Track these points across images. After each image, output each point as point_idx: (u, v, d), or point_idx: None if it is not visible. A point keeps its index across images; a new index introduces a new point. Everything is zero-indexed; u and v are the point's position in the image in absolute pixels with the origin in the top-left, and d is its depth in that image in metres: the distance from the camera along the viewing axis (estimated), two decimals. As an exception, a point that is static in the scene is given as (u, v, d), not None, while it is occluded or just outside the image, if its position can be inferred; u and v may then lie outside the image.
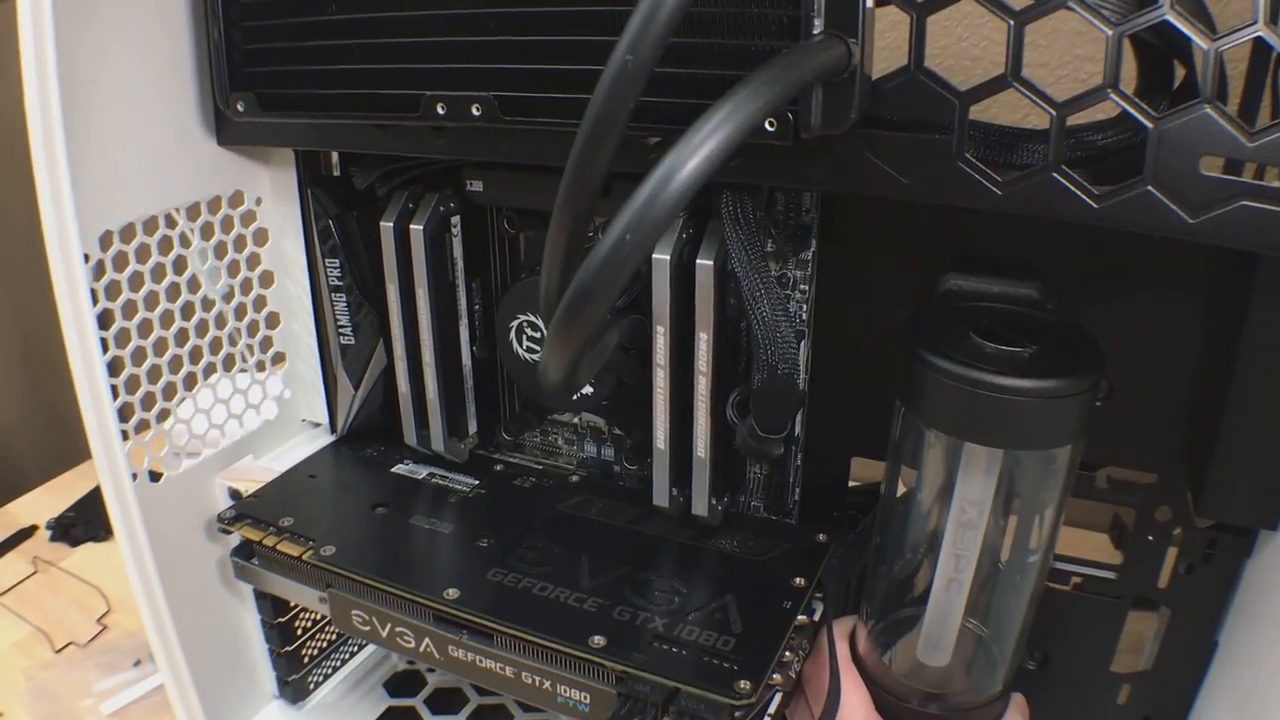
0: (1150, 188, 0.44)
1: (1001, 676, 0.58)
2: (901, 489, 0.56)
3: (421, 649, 0.60)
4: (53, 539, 1.11)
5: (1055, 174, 0.46)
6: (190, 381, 0.67)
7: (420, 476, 0.71)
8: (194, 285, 0.66)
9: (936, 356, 0.48)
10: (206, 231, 0.66)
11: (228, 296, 0.68)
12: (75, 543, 1.10)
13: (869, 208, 0.58)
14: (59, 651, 0.92)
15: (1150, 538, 0.62)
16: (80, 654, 0.92)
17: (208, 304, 0.67)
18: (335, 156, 0.69)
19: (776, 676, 0.54)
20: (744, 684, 0.52)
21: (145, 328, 0.63)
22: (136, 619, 0.94)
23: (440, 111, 0.54)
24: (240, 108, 0.60)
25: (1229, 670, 0.61)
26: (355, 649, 0.85)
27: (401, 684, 0.84)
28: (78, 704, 0.85)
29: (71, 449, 1.19)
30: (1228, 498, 0.56)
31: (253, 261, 0.70)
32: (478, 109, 0.53)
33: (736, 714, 0.53)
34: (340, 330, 0.71)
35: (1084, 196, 0.46)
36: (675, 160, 0.36)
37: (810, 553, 0.64)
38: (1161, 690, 0.65)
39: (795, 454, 0.65)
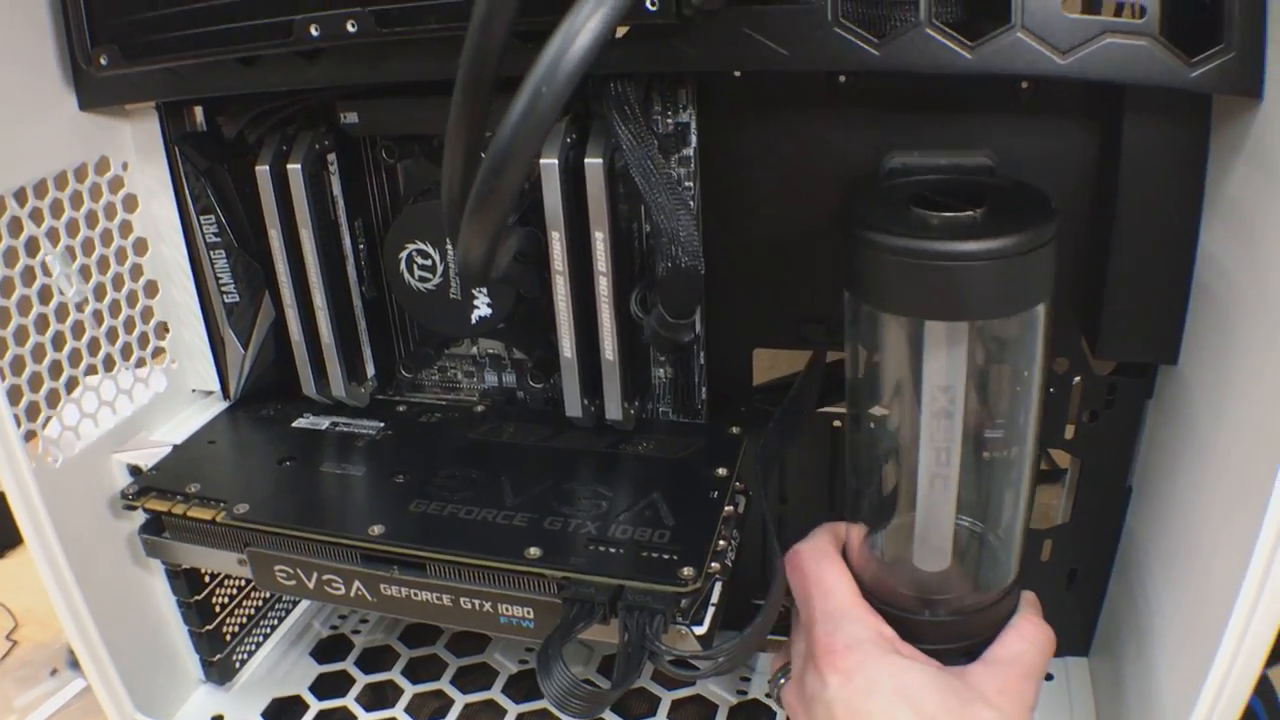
0: (1020, 34, 0.46)
1: (1010, 570, 0.55)
2: (860, 389, 0.54)
3: (353, 594, 0.59)
4: (-50, 562, 1.07)
5: (929, 29, 0.47)
6: (75, 357, 0.65)
7: (323, 427, 0.70)
8: (70, 255, 0.64)
9: (881, 234, 0.44)
10: (76, 201, 0.64)
11: (103, 267, 0.66)
12: (-26, 563, 1.07)
13: (743, 95, 0.59)
14: (-28, 676, 0.89)
15: (1051, 390, 0.63)
16: (-7, 673, 0.89)
17: (85, 274, 0.65)
18: (200, 111, 0.67)
19: (714, 565, 0.55)
20: (687, 571, 0.53)
21: (24, 305, 0.61)
22: (46, 630, 0.92)
23: (314, 33, 0.52)
24: (104, 61, 0.58)
25: (1147, 513, 0.63)
26: (277, 620, 0.83)
27: (328, 649, 0.82)
28: (-2, 724, 0.83)
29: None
30: (1125, 334, 0.57)
31: (125, 229, 0.68)
32: (353, 25, 0.51)
33: (683, 601, 0.53)
34: (223, 289, 0.69)
35: (958, 48, 0.47)
36: (582, 10, 0.36)
37: (727, 445, 0.64)
38: (1082, 541, 0.67)
39: (698, 352, 0.65)
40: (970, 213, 0.45)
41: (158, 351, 0.72)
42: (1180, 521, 0.57)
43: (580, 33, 0.36)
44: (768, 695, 0.63)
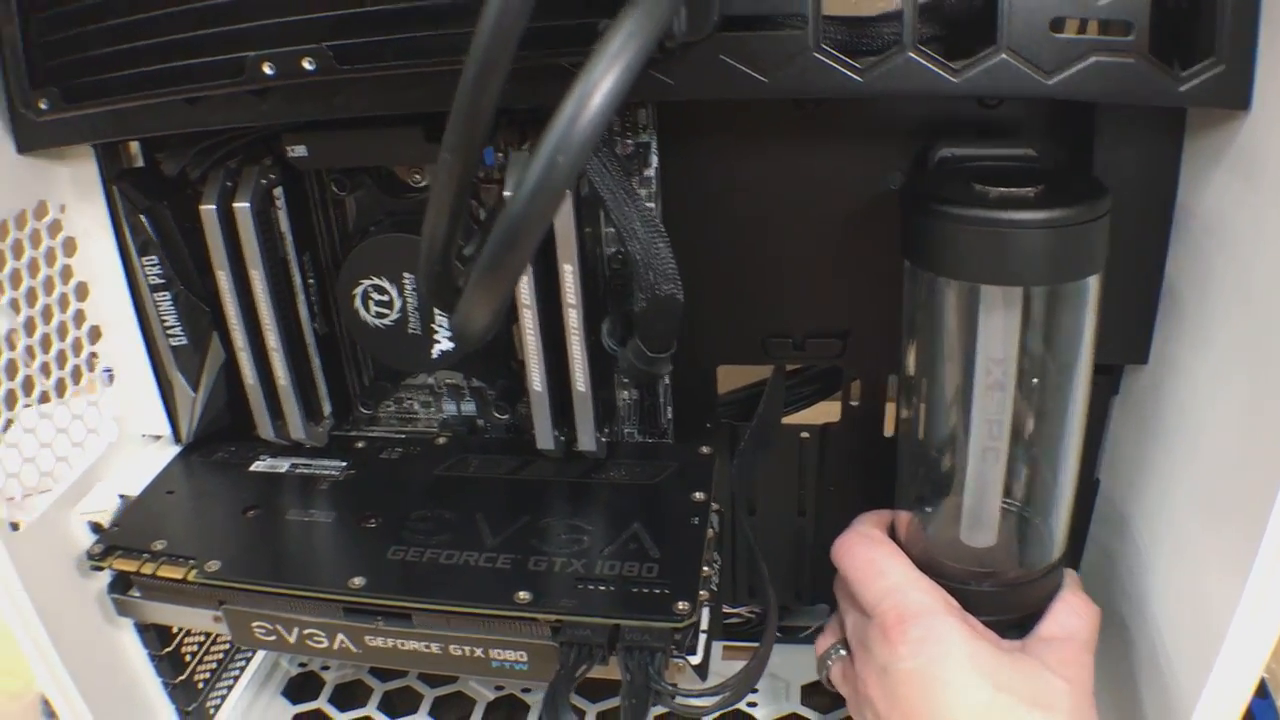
0: (1005, 55, 0.46)
1: (1058, 545, 0.57)
2: (913, 368, 0.56)
3: (336, 647, 0.57)
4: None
5: (912, 53, 0.46)
6: (23, 412, 0.62)
7: (283, 470, 0.67)
8: (15, 307, 0.61)
9: (947, 205, 0.46)
10: (17, 250, 0.61)
11: (47, 316, 0.63)
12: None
13: (703, 113, 0.58)
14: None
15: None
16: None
17: (30, 328, 0.62)
18: (137, 147, 0.64)
19: (703, 592, 0.54)
20: (682, 605, 0.52)
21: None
22: (15, 680, 0.89)
23: (268, 72, 0.50)
24: (44, 105, 0.56)
25: (1114, 505, 0.64)
26: (244, 662, 0.81)
27: (300, 688, 0.81)
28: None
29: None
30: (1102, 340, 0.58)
31: (66, 274, 0.65)
32: (311, 63, 0.49)
33: (677, 635, 0.53)
34: (169, 331, 0.66)
35: (943, 71, 0.47)
36: (594, 73, 0.34)
37: (699, 466, 0.64)
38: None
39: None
40: (1028, 188, 0.46)
41: (107, 399, 0.69)
42: (1144, 516, 0.59)
43: (595, 93, 0.34)
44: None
